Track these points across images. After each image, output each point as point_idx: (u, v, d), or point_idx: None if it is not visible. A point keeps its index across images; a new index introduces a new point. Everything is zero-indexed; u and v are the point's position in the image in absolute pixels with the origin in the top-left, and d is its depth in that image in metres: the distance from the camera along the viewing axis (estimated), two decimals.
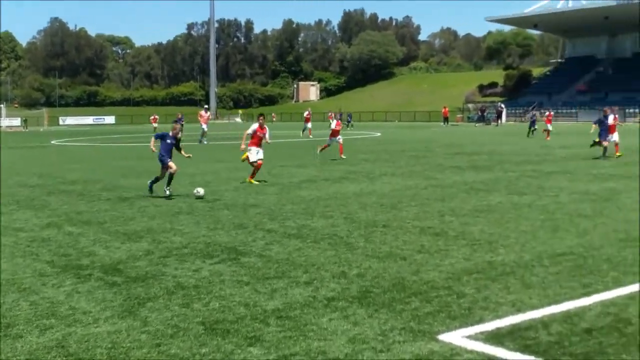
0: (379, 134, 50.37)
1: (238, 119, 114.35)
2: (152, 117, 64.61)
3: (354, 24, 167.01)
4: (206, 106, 52.48)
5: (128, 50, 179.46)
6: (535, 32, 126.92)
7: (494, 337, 5.60)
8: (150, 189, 14.87)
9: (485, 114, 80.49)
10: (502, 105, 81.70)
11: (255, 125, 17.18)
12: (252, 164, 16.86)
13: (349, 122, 67.66)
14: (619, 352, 5.26)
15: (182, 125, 34.69)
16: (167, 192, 14.56)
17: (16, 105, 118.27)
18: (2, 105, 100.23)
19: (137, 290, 7.21)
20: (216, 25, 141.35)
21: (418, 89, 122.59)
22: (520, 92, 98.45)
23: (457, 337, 5.61)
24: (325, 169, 18.99)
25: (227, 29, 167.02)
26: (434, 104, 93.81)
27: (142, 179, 16.85)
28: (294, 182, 16.68)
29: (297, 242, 9.60)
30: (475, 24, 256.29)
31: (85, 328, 6.01)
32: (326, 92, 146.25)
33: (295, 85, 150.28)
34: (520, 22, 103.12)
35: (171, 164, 14.73)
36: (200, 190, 14.38)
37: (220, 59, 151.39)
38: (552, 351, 5.29)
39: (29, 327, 6.05)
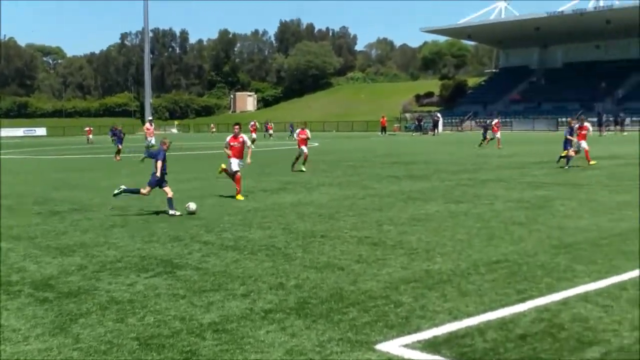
0: (316, 144, 50.47)
1: (174, 130, 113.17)
2: (87, 129, 63.46)
3: (290, 34, 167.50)
4: (150, 118, 51.71)
5: (59, 61, 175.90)
6: (469, 43, 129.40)
7: (431, 345, 5.62)
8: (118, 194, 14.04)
9: (422, 123, 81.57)
10: (439, 115, 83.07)
11: (229, 136, 16.74)
12: (231, 176, 16.45)
13: (291, 132, 67.62)
14: (553, 358, 5.34)
15: (123, 136, 34.30)
16: (177, 212, 13.44)
17: None
18: None
19: (69, 306, 7.00)
20: (150, 35, 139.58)
21: (355, 99, 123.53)
22: (456, 102, 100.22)
23: (394, 347, 5.61)
24: (263, 180, 18.93)
25: (162, 38, 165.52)
26: (372, 114, 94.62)
27: (75, 191, 16.48)
28: (232, 194, 16.52)
29: (234, 254, 9.49)
30: (411, 35, 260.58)
31: (14, 346, 5.80)
32: (263, 103, 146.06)
33: (232, 96, 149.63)
34: (455, 33, 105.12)
35: (167, 189, 13.70)
36: (192, 205, 13.59)
37: (155, 69, 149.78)
38: (488, 358, 5.34)
39: None
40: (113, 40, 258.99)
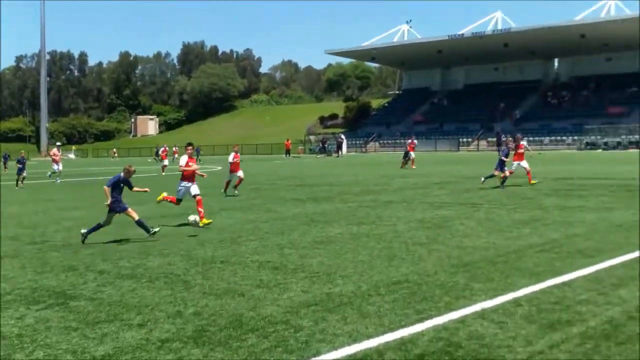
0: (220, 168, 50.04)
1: (72, 155, 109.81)
2: None
3: (194, 57, 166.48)
4: (58, 144, 49.99)
5: None
6: (373, 65, 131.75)
7: None
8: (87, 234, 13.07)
9: (326, 145, 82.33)
10: (343, 137, 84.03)
11: (184, 158, 16.02)
12: (177, 203, 15.79)
13: (197, 155, 66.82)
14: None
15: (24, 163, 32.92)
16: (156, 229, 13.14)
17: None
18: None
19: None
20: (47, 57, 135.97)
21: (260, 122, 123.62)
22: (360, 123, 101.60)
23: None
24: (163, 205, 18.50)
25: (60, 61, 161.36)
26: (276, 136, 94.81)
27: None
28: (130, 220, 16.09)
29: (130, 283, 9.19)
30: (316, 57, 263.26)
31: None
32: (166, 126, 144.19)
33: (133, 120, 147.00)
34: (359, 55, 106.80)
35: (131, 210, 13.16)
36: (192, 217, 13.93)
37: (52, 92, 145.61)
38: None
39: None
40: (8, 63, 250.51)
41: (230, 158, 23.38)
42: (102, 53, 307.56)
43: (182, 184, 15.92)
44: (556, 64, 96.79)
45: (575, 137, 72.75)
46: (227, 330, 6.80)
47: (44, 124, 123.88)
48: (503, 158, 23.34)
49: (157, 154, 64.05)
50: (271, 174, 37.62)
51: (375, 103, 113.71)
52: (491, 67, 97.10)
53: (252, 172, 41.74)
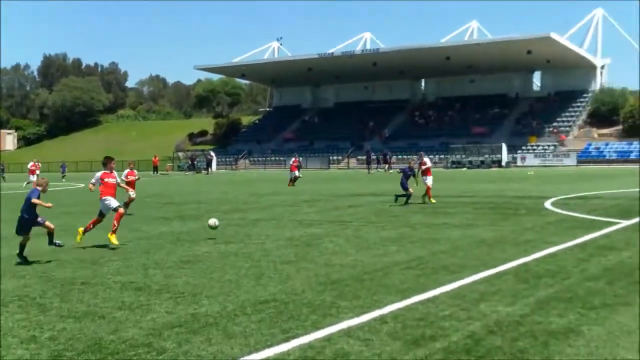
0: (82, 185, 48.30)
1: None
2: None
3: (55, 69, 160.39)
4: (36, 159, 46.56)
5: None
6: (243, 82, 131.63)
7: None
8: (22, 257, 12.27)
9: (195, 162, 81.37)
10: (212, 154, 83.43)
11: (99, 174, 14.80)
12: (100, 219, 14.64)
13: (63, 172, 64.24)
14: None
15: None
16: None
17: None
18: None
19: None
20: None
21: (126, 137, 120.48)
22: (230, 140, 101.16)
23: None
24: None
25: None
26: (143, 153, 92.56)
27: None
28: None
29: None
30: (185, 72, 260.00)
31: None
32: (25, 141, 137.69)
33: None
34: (229, 71, 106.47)
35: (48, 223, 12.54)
36: (213, 221, 15.55)
37: None
38: None
39: None
40: None
41: (123, 175, 22.20)
42: None
43: (106, 199, 14.64)
44: (423, 84, 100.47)
45: (442, 156, 75.62)
46: (85, 354, 6.48)
47: None
48: (412, 177, 23.65)
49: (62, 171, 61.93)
50: (137, 191, 36.49)
51: (246, 120, 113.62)
52: (361, 86, 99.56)
53: (118, 189, 40.48)
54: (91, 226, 14.73)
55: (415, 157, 25.99)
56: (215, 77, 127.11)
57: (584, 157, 70.95)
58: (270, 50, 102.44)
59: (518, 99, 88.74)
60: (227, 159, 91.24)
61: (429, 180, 24.17)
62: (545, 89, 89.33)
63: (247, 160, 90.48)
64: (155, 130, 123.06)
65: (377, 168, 68.98)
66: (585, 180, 37.99)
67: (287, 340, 6.87)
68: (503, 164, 71.33)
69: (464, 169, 69.34)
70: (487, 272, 10.36)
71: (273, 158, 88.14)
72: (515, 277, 9.97)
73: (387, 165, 67.48)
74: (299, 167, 43.20)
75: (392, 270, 10.71)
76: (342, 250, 13.16)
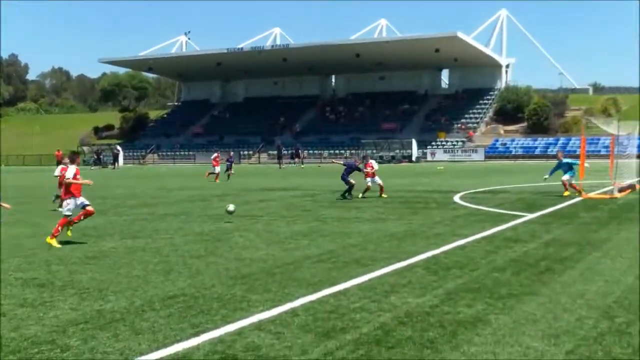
0: None
1: None
2: None
3: None
4: None
5: None
6: (151, 75, 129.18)
7: None
8: None
9: (101, 156, 79.35)
10: (119, 148, 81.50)
11: (73, 169, 13.80)
12: (68, 223, 13.66)
13: None
14: None
15: None
16: None
17: None
18: None
19: None
20: None
21: (28, 131, 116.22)
22: (138, 135, 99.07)
23: None
24: None
25: None
26: (46, 147, 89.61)
27: None
28: None
29: None
30: (89, 65, 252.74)
31: None
32: None
33: None
34: (135, 65, 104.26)
35: None
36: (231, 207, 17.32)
37: None
38: None
39: None
40: None
41: (57, 171, 20.54)
42: None
43: (69, 200, 13.74)
44: (333, 80, 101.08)
45: (353, 151, 76.27)
46: None
47: None
48: (345, 173, 23.71)
49: None
50: (40, 187, 35.38)
51: (154, 114, 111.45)
52: (271, 82, 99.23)
53: (19, 184, 39.09)
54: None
55: (364, 156, 27.03)
56: (122, 70, 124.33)
57: (492, 153, 73.12)
58: (179, 44, 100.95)
59: (427, 96, 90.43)
60: (135, 154, 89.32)
61: (377, 179, 24.04)
62: (453, 87, 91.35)
63: (155, 155, 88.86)
64: (58, 123, 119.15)
65: (289, 163, 68.95)
66: (492, 175, 39.12)
67: (196, 334, 6.76)
68: (413, 159, 72.68)
69: None
70: (398, 265, 10.50)
71: (182, 153, 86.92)
72: (425, 269, 10.14)
73: (298, 159, 67.52)
74: (229, 163, 41.75)
75: (304, 264, 10.71)
76: (253, 244, 13.08)
